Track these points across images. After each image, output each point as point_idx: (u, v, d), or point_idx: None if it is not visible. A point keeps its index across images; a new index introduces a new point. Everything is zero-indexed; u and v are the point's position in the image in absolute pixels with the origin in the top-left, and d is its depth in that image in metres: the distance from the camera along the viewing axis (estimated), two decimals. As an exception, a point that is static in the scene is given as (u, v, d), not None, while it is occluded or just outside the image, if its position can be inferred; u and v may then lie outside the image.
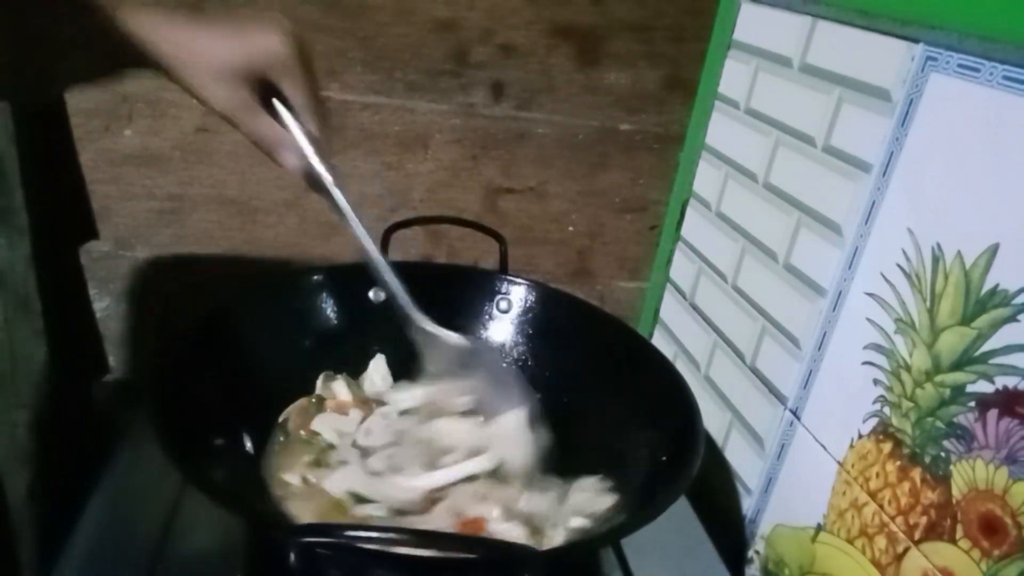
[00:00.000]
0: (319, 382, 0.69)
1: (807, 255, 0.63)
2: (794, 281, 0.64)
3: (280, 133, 0.50)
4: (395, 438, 0.63)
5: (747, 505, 0.70)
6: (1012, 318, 0.44)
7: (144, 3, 0.45)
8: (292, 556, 0.38)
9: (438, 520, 0.55)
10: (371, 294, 0.74)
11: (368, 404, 0.68)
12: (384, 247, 0.74)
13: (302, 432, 0.63)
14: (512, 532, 0.54)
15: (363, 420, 0.65)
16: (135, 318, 0.81)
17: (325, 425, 0.64)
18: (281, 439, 0.63)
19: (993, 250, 0.45)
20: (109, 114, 0.72)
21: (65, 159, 0.74)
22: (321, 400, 0.67)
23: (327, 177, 0.53)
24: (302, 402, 0.66)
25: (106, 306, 0.81)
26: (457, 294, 0.76)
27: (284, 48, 0.47)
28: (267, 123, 0.50)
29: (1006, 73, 0.45)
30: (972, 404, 0.47)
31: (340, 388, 0.68)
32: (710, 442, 0.76)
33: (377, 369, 0.72)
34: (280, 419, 0.65)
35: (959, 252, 0.48)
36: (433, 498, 0.57)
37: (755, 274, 0.71)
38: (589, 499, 0.58)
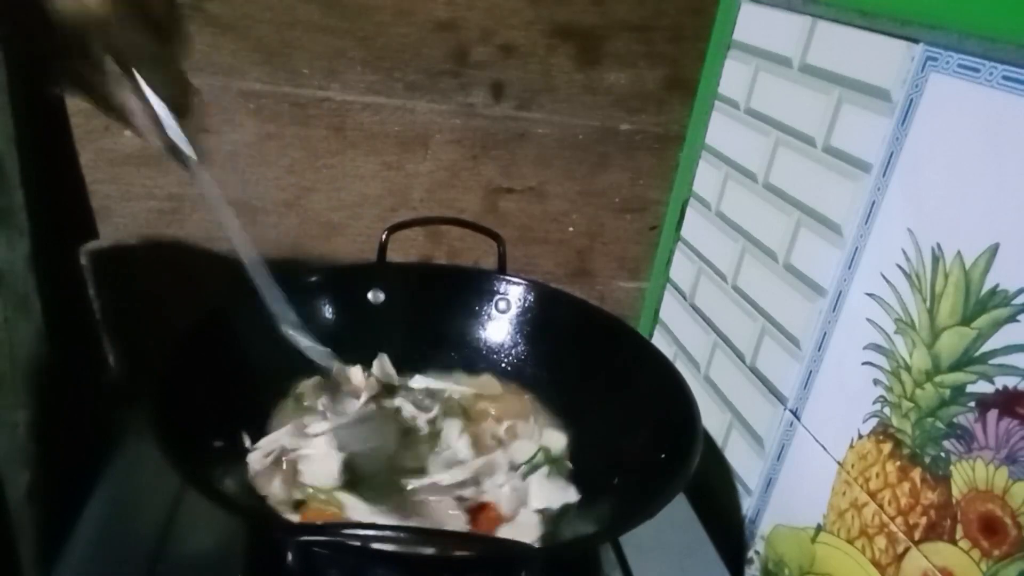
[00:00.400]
0: (334, 370, 0.69)
1: (807, 255, 0.63)
2: (794, 281, 0.64)
3: (134, 103, 0.44)
4: None
5: (747, 505, 0.70)
6: (1012, 318, 0.44)
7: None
8: (290, 555, 0.38)
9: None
10: (370, 295, 0.75)
11: (385, 389, 0.70)
12: (384, 247, 0.74)
13: (307, 403, 0.66)
14: None
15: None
16: (135, 318, 0.81)
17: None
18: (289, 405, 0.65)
19: (993, 250, 0.45)
20: (109, 114, 0.73)
21: (65, 159, 0.74)
22: (337, 384, 0.68)
23: (190, 155, 0.47)
24: (317, 379, 0.67)
25: (106, 306, 0.81)
26: (455, 294, 0.76)
27: (99, 5, 0.39)
28: (119, 91, 0.43)
29: (1006, 73, 0.45)
30: (972, 404, 0.47)
31: (355, 373, 0.69)
32: (710, 442, 0.76)
33: (381, 368, 0.72)
34: (297, 391, 0.66)
35: (959, 252, 0.48)
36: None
37: (755, 274, 0.71)
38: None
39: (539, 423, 0.69)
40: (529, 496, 0.60)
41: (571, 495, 0.60)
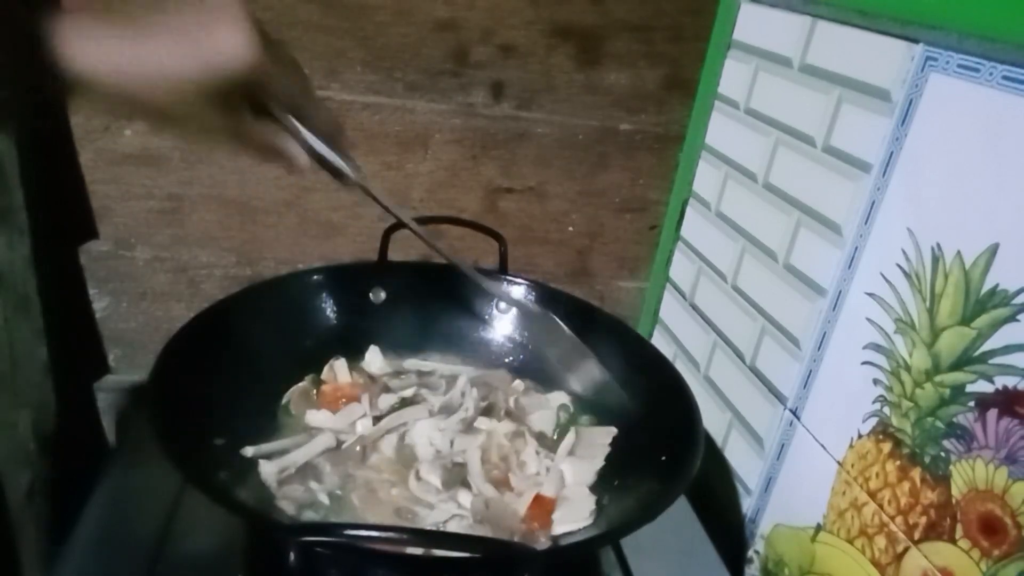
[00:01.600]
0: (326, 367, 0.69)
1: (807, 255, 0.63)
2: (794, 281, 0.64)
3: (283, 139, 0.46)
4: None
5: (747, 505, 0.70)
6: (1012, 318, 0.44)
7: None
8: (291, 555, 0.38)
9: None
10: (371, 294, 0.75)
11: (370, 385, 0.69)
12: (384, 247, 0.74)
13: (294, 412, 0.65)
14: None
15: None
16: (135, 318, 0.81)
17: (318, 420, 0.64)
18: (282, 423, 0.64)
19: (993, 250, 0.45)
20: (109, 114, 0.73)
21: (65, 159, 0.74)
22: (320, 383, 0.68)
23: (350, 173, 0.49)
24: (303, 384, 0.67)
25: (106, 306, 0.81)
26: (456, 294, 0.76)
27: (248, 46, 0.38)
28: (267, 131, 0.44)
29: (1006, 73, 0.45)
30: (972, 404, 0.47)
31: (341, 369, 0.69)
32: (710, 442, 0.76)
33: (373, 361, 0.72)
34: (283, 401, 0.65)
35: (959, 252, 0.48)
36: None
37: (755, 274, 0.71)
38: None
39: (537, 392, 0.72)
40: (567, 477, 0.61)
41: (608, 438, 0.63)
